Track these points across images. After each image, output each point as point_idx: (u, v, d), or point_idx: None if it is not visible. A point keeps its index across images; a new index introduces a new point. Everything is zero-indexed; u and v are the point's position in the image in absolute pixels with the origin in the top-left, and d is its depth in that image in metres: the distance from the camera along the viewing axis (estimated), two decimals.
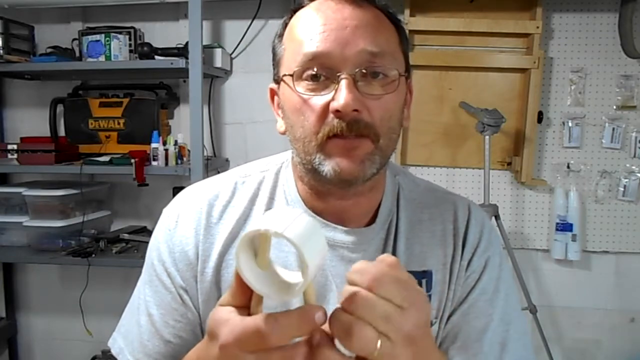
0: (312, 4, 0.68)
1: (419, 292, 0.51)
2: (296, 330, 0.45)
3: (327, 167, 0.65)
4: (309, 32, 0.65)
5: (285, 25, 0.71)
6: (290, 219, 0.44)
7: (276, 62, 0.72)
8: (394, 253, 0.75)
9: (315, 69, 0.64)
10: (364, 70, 0.64)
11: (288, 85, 0.67)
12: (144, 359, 0.73)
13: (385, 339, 0.46)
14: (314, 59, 0.64)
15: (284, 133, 0.72)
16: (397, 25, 0.71)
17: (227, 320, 0.48)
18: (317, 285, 0.71)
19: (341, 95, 0.61)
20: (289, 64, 0.67)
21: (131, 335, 0.75)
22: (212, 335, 0.50)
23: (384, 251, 0.75)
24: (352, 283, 0.48)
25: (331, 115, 0.63)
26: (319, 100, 0.64)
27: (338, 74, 0.63)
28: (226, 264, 0.73)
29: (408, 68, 0.72)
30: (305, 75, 0.65)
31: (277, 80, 0.71)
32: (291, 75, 0.66)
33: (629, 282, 2.17)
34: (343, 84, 0.62)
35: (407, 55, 0.72)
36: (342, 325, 0.46)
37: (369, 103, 0.64)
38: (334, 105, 0.62)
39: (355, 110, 0.62)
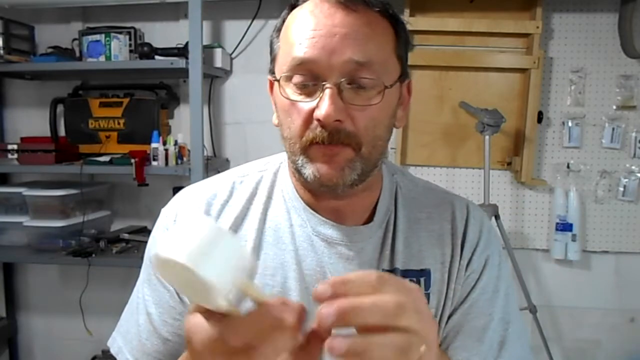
0: (308, 4, 0.67)
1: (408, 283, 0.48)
2: (252, 330, 0.45)
3: (308, 171, 0.66)
4: (300, 35, 0.65)
5: (283, 20, 0.71)
6: (182, 238, 0.42)
7: (272, 57, 0.72)
8: (392, 251, 0.75)
9: (302, 75, 0.65)
10: (349, 80, 0.64)
11: (279, 85, 0.67)
12: (143, 357, 0.73)
13: (418, 337, 0.44)
14: (302, 64, 0.64)
15: (278, 126, 0.73)
16: (396, 27, 0.70)
17: (194, 325, 0.48)
18: (314, 282, 0.72)
19: (323, 106, 0.62)
20: (280, 65, 0.68)
21: (130, 335, 0.75)
22: (187, 342, 0.50)
23: (382, 249, 0.75)
24: (349, 294, 0.43)
25: (315, 123, 0.64)
26: (304, 106, 0.65)
27: (323, 83, 0.63)
28: None
29: (405, 71, 0.71)
30: (293, 79, 0.65)
31: (271, 74, 0.72)
32: (279, 80, 0.67)
33: (629, 282, 2.17)
34: (327, 93, 0.63)
35: (404, 59, 0.71)
36: (393, 346, 0.42)
37: (353, 112, 0.64)
38: (317, 114, 0.63)
39: (338, 120, 0.63)
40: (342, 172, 0.66)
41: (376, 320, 0.42)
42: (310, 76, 0.64)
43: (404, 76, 0.71)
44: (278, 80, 0.67)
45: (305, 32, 0.65)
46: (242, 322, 0.45)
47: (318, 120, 0.63)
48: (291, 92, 0.66)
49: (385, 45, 0.68)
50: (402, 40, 0.70)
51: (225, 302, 0.44)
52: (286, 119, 0.67)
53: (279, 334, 0.45)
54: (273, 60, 0.72)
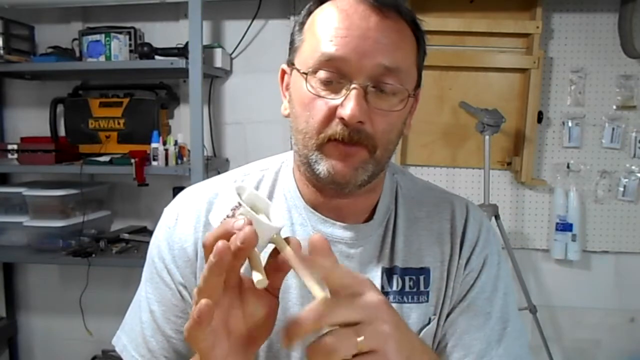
0: (340, 3, 0.67)
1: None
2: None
3: (322, 167, 0.67)
4: (331, 32, 0.65)
5: (309, 13, 0.71)
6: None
7: (293, 49, 0.72)
8: (391, 249, 0.76)
9: (329, 71, 0.65)
10: (376, 84, 0.65)
11: (302, 77, 0.67)
12: (147, 354, 0.74)
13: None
14: (331, 60, 0.65)
15: (287, 116, 0.73)
16: (419, 38, 0.71)
17: None
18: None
19: (349, 105, 0.63)
20: (305, 58, 0.68)
21: (134, 333, 0.76)
22: None
23: (382, 247, 0.76)
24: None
25: (336, 120, 0.65)
26: (328, 102, 0.65)
27: (350, 82, 0.64)
28: None
29: (420, 81, 0.72)
30: (319, 74, 0.66)
31: (290, 65, 0.72)
32: (305, 73, 0.66)
33: (629, 282, 2.17)
34: (353, 94, 0.63)
35: (421, 69, 0.73)
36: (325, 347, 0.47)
37: (374, 115, 0.65)
38: (341, 112, 0.64)
39: (360, 121, 0.64)
40: (355, 172, 0.67)
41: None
42: (337, 74, 0.65)
43: (418, 86, 0.72)
44: (305, 74, 0.66)
45: (337, 30, 0.65)
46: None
47: (341, 118, 0.64)
48: (315, 85, 0.66)
49: (410, 54, 0.69)
50: (422, 51, 0.72)
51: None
52: (304, 112, 0.67)
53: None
54: (293, 51, 0.72)
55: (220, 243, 0.49)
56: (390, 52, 0.65)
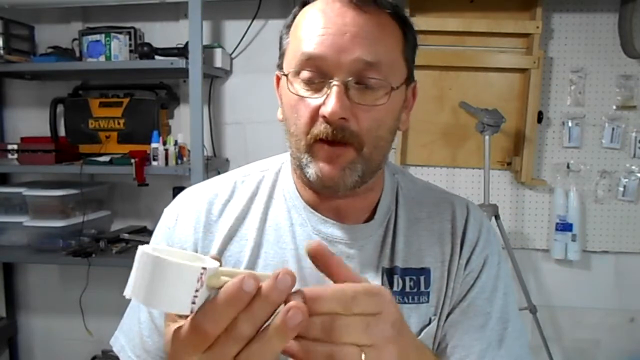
0: (320, 2, 0.68)
1: (382, 290, 0.47)
2: (226, 310, 0.40)
3: (311, 170, 0.67)
4: (309, 32, 0.66)
5: (294, 16, 0.71)
6: (133, 277, 0.41)
7: (281, 52, 0.73)
8: (392, 250, 0.76)
9: (310, 71, 0.65)
10: (357, 79, 0.64)
11: (287, 80, 0.68)
12: (144, 355, 0.74)
13: (369, 348, 0.44)
14: (310, 59, 0.65)
15: (282, 121, 0.73)
16: (405, 30, 0.70)
17: (169, 331, 0.45)
18: (314, 280, 0.72)
19: (330, 103, 0.63)
20: (289, 60, 0.68)
21: (132, 333, 0.76)
22: (167, 354, 0.47)
23: (382, 248, 0.76)
24: (320, 312, 0.42)
25: (320, 119, 0.65)
26: (311, 102, 0.65)
27: (330, 80, 0.64)
28: (225, 261, 0.73)
29: (411, 74, 0.72)
30: (301, 75, 0.66)
31: (280, 69, 0.72)
32: (286, 75, 0.67)
33: (629, 282, 2.17)
34: (334, 91, 0.63)
35: (411, 62, 0.72)
36: (322, 356, 0.43)
37: (357, 112, 0.65)
38: (323, 110, 0.64)
39: (343, 118, 0.63)
40: (342, 173, 0.66)
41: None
42: (317, 73, 0.65)
43: (410, 79, 0.72)
44: (286, 75, 0.67)
45: (315, 29, 0.65)
46: (211, 304, 0.41)
47: (324, 116, 0.64)
48: (299, 87, 0.66)
49: (394, 47, 0.68)
50: (410, 43, 0.71)
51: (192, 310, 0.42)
52: (292, 114, 0.68)
53: (256, 307, 0.40)
54: (282, 55, 0.72)
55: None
56: (369, 47, 0.64)
